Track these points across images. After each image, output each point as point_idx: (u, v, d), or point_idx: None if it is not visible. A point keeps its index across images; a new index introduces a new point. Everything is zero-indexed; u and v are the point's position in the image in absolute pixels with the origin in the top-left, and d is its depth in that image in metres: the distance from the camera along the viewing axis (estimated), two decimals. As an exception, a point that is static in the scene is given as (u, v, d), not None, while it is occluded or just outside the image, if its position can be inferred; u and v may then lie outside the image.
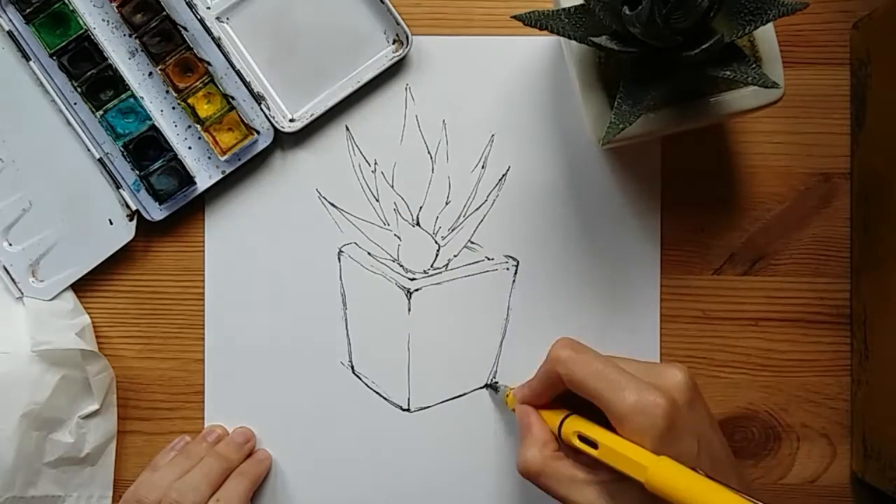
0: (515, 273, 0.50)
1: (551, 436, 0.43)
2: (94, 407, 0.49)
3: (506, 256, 0.50)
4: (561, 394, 0.43)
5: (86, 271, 0.50)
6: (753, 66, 0.37)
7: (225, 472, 0.48)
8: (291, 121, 0.50)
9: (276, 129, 0.49)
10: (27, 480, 0.48)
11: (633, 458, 0.39)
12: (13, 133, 0.49)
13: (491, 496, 0.50)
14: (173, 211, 0.50)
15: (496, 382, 0.50)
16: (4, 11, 0.48)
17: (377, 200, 0.50)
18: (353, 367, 0.50)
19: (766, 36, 0.42)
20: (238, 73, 0.49)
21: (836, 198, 0.50)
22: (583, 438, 0.41)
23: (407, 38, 0.49)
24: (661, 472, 0.38)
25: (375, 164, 0.50)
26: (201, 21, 0.49)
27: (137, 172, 0.49)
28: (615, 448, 0.39)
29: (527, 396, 0.45)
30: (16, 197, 0.50)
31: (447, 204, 0.50)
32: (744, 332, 0.50)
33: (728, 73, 0.37)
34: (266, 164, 0.50)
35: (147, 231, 0.50)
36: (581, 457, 0.41)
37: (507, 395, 0.48)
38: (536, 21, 0.39)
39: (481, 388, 0.50)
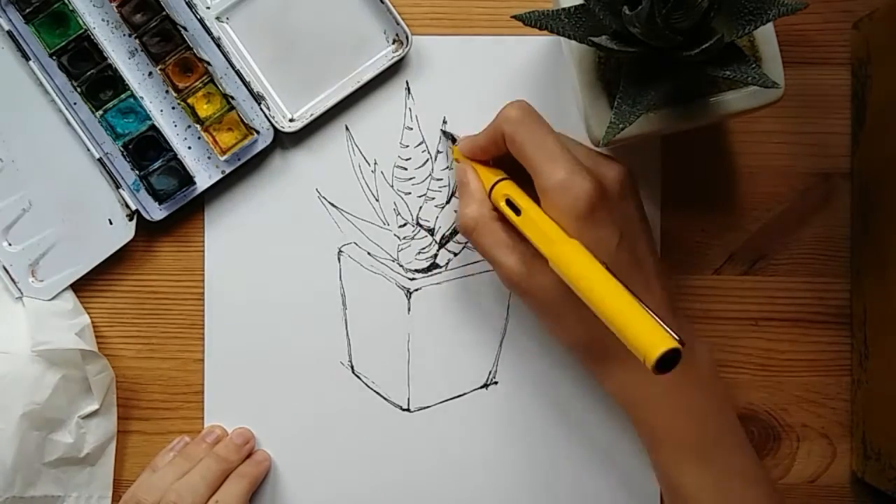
0: (515, 273, 0.50)
1: (487, 195, 0.44)
2: (94, 407, 0.49)
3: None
4: (501, 165, 0.44)
5: (85, 271, 0.50)
6: (753, 66, 0.37)
7: (224, 473, 0.48)
8: (291, 121, 0.50)
9: (275, 129, 0.49)
10: (27, 480, 0.48)
11: (546, 231, 0.39)
12: (13, 133, 0.49)
13: (491, 496, 0.50)
14: (173, 211, 0.50)
15: (451, 133, 0.49)
16: (4, 11, 0.48)
17: (377, 200, 0.50)
18: (353, 367, 0.50)
19: (766, 36, 0.42)
20: (238, 73, 0.49)
21: (836, 198, 0.50)
22: (510, 204, 0.41)
23: (407, 37, 0.49)
24: (566, 252, 0.38)
25: (375, 164, 0.50)
26: (201, 21, 0.49)
27: (137, 172, 0.49)
28: (535, 218, 0.40)
29: (467, 147, 0.45)
30: (16, 197, 0.50)
31: (447, 204, 0.50)
32: (744, 332, 0.50)
33: (728, 73, 0.37)
34: (266, 163, 0.50)
35: (147, 231, 0.50)
36: (510, 225, 0.42)
37: (455, 148, 0.48)
38: (536, 21, 0.39)
39: (481, 387, 0.50)
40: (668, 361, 0.33)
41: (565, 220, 0.40)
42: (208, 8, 0.49)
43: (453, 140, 0.49)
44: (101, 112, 0.49)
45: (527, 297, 0.43)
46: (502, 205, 0.42)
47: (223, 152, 0.49)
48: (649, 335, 0.34)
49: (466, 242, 0.50)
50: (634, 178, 0.43)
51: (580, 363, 0.45)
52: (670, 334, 0.34)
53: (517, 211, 0.41)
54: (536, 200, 0.41)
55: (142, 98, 0.49)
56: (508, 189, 0.42)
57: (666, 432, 0.43)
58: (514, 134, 0.42)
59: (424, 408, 0.50)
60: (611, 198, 0.41)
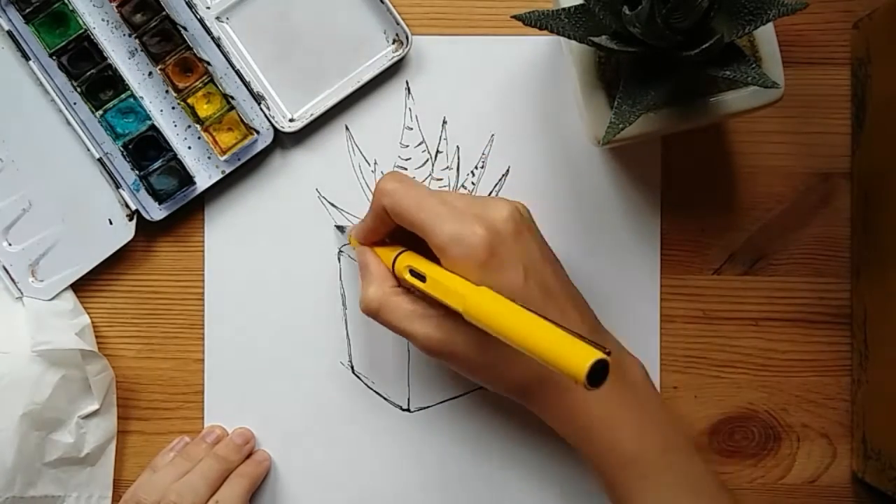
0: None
1: (390, 273, 0.44)
2: (94, 407, 0.49)
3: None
4: (401, 238, 0.44)
5: (85, 271, 0.50)
6: (753, 66, 0.37)
7: (224, 473, 0.48)
8: (291, 121, 0.50)
9: (275, 129, 0.49)
10: (27, 480, 0.48)
11: (454, 288, 0.39)
12: (13, 133, 0.49)
13: (491, 496, 0.50)
14: (173, 211, 0.50)
15: (342, 225, 0.50)
16: (4, 11, 0.48)
17: (377, 200, 0.50)
18: (353, 367, 0.50)
19: (766, 36, 0.42)
20: (238, 73, 0.49)
21: (836, 198, 0.50)
22: (414, 273, 0.41)
23: (407, 37, 0.49)
24: (478, 301, 0.38)
25: (375, 163, 0.50)
26: (201, 21, 0.49)
27: (137, 172, 0.49)
28: (440, 280, 0.40)
29: (360, 233, 0.45)
30: (16, 197, 0.50)
31: (447, 204, 0.50)
32: (744, 332, 0.50)
33: (728, 73, 0.37)
34: (266, 163, 0.50)
35: (147, 231, 0.50)
36: (420, 293, 0.42)
37: (350, 237, 0.48)
38: (536, 21, 0.39)
39: (481, 387, 0.50)
40: (598, 373, 0.33)
41: (468, 271, 0.40)
42: (208, 8, 0.49)
43: (342, 230, 0.49)
44: (101, 112, 0.49)
45: (452, 359, 0.42)
46: (407, 276, 0.42)
47: (223, 152, 0.49)
48: (574, 352, 0.34)
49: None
50: (527, 211, 0.43)
51: (524, 405, 0.45)
52: (594, 346, 0.34)
53: (423, 278, 0.41)
54: (438, 263, 0.41)
55: (142, 98, 0.49)
56: (409, 259, 0.42)
57: (612, 453, 0.42)
58: (394, 204, 0.42)
59: (424, 408, 0.50)
60: (505, 237, 0.41)
